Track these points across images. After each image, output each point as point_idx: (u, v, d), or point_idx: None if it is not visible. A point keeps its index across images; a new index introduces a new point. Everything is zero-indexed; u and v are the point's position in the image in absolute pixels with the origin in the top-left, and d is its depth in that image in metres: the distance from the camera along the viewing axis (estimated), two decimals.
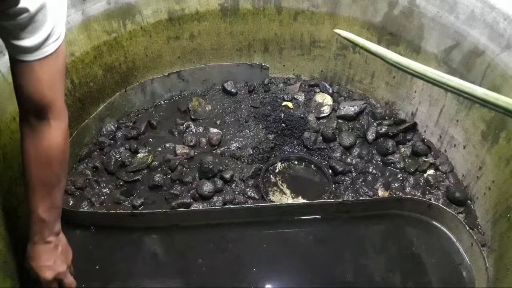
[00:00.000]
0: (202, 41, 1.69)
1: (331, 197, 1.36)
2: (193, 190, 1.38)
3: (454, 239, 1.25)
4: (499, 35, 1.18)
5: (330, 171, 1.45)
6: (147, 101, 1.71)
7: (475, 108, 1.30)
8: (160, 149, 1.53)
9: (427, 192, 1.39)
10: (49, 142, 0.87)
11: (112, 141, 1.55)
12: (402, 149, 1.51)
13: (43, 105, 0.83)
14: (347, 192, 1.39)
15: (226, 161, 1.49)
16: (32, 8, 0.71)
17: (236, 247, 1.24)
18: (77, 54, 1.38)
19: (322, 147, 1.53)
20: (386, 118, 1.61)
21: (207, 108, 1.71)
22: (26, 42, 0.74)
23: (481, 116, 1.27)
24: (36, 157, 0.87)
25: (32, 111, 0.84)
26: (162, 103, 1.74)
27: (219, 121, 1.65)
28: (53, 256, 0.97)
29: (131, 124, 1.63)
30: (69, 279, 1.01)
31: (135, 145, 1.52)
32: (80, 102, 1.45)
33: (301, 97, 1.73)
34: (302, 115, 1.63)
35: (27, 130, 0.87)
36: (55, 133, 0.87)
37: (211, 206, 1.34)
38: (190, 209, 1.31)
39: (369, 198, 1.36)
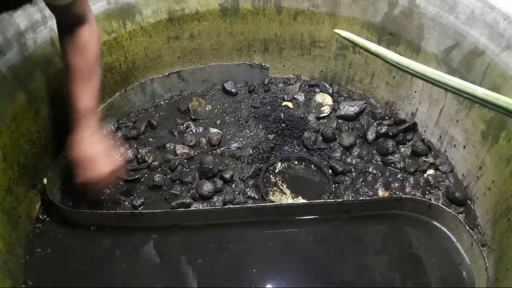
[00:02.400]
0: (202, 41, 1.69)
1: (331, 197, 1.36)
2: (193, 190, 1.38)
3: (454, 239, 1.25)
4: (499, 35, 1.18)
5: (330, 171, 1.45)
6: (147, 101, 1.71)
7: (475, 108, 1.30)
8: (160, 149, 1.53)
9: (427, 192, 1.39)
10: (85, 35, 1.10)
11: (112, 141, 1.55)
12: (402, 149, 1.51)
13: (81, 17, 1.08)
14: (347, 192, 1.39)
15: (226, 161, 1.49)
16: None
17: (236, 247, 1.24)
18: None
19: (322, 147, 1.53)
20: (386, 118, 1.61)
21: (207, 108, 1.71)
22: None
23: (481, 116, 1.27)
24: (76, 52, 1.09)
25: (71, 22, 1.08)
26: (162, 103, 1.74)
27: (219, 121, 1.65)
28: (103, 143, 1.13)
29: (131, 124, 1.63)
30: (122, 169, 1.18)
31: (135, 145, 1.52)
32: None
33: (301, 97, 1.73)
34: (302, 115, 1.63)
35: (66, 37, 1.09)
36: (88, 30, 1.10)
37: (211, 206, 1.34)
38: (190, 209, 1.31)
39: (369, 198, 1.36)
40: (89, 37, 1.11)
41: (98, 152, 1.11)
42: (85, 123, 1.10)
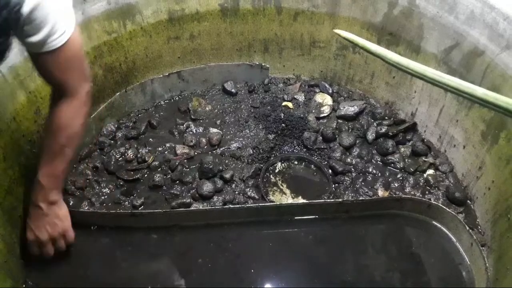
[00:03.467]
0: (202, 41, 1.69)
1: (331, 197, 1.36)
2: (193, 190, 1.38)
3: (454, 239, 1.25)
4: (499, 35, 1.18)
5: (330, 171, 1.45)
6: (147, 101, 1.71)
7: (475, 108, 1.30)
8: (160, 149, 1.53)
9: (427, 192, 1.39)
10: (59, 114, 1.03)
11: (112, 141, 1.55)
12: (402, 149, 1.51)
13: (58, 85, 1.01)
14: (347, 192, 1.39)
15: (226, 161, 1.49)
16: (26, 9, 0.80)
17: (236, 247, 1.24)
18: None
19: (322, 147, 1.53)
20: (386, 118, 1.61)
21: (207, 108, 1.71)
22: (33, 38, 0.87)
23: (481, 116, 1.27)
24: (47, 126, 1.07)
25: (54, 89, 1.04)
26: (162, 103, 1.74)
27: (219, 121, 1.65)
28: (40, 222, 1.09)
29: (131, 124, 1.63)
30: (47, 248, 1.12)
31: (135, 145, 1.53)
32: None
33: (301, 97, 1.73)
34: (302, 115, 1.63)
35: (51, 103, 1.06)
36: (66, 108, 1.02)
37: (211, 206, 1.34)
38: (190, 209, 1.31)
39: (369, 198, 1.36)
40: (65, 113, 1.02)
41: (31, 227, 1.10)
42: (34, 198, 1.08)
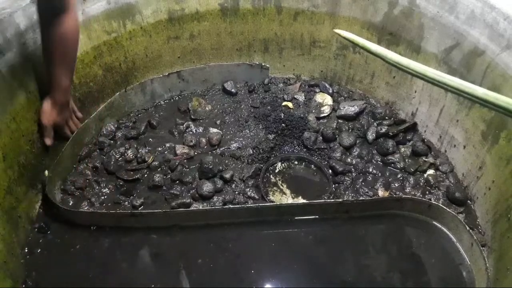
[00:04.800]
0: (202, 41, 1.69)
1: (331, 197, 1.36)
2: (193, 190, 1.38)
3: (454, 239, 1.25)
4: (499, 35, 1.18)
5: (330, 171, 1.45)
6: (147, 101, 1.71)
7: (475, 108, 1.30)
8: (160, 149, 1.53)
9: (427, 192, 1.38)
10: (68, 27, 1.16)
11: (112, 141, 1.55)
12: (402, 149, 1.51)
13: (63, 5, 1.12)
14: (347, 192, 1.39)
15: (226, 161, 1.49)
16: None
17: (236, 247, 1.24)
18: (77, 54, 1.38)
19: (322, 147, 1.53)
20: (386, 118, 1.61)
21: (207, 108, 1.71)
22: None
23: (481, 116, 1.27)
24: (60, 40, 1.16)
25: (54, 9, 1.12)
26: (162, 103, 1.74)
27: (219, 121, 1.65)
28: (56, 111, 1.28)
29: (131, 124, 1.63)
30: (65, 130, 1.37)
31: (135, 145, 1.52)
32: (80, 102, 1.45)
33: (301, 97, 1.73)
34: (302, 115, 1.63)
35: (49, 23, 1.13)
36: (71, 20, 1.16)
37: (211, 206, 1.34)
38: (190, 209, 1.31)
39: (369, 198, 1.36)
40: (72, 25, 1.16)
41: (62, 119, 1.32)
42: (64, 95, 1.27)
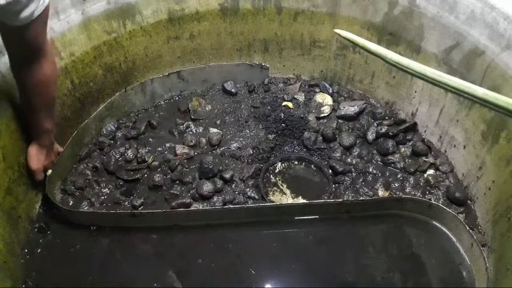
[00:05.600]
0: (202, 41, 1.69)
1: (331, 197, 1.36)
2: (193, 190, 1.38)
3: (454, 239, 1.25)
4: (499, 35, 1.18)
5: (330, 171, 1.45)
6: (147, 101, 1.71)
7: (475, 108, 1.30)
8: (160, 149, 1.53)
9: (427, 192, 1.38)
10: (46, 72, 1.10)
11: (112, 141, 1.55)
12: (402, 149, 1.51)
13: (36, 49, 1.05)
14: (347, 192, 1.39)
15: (226, 161, 1.49)
16: None
17: (236, 247, 1.24)
18: (77, 54, 1.38)
19: (322, 147, 1.52)
20: (386, 118, 1.61)
21: (207, 108, 1.71)
22: (22, 14, 0.92)
23: (481, 116, 1.27)
24: (38, 86, 1.10)
25: (29, 55, 1.05)
26: (162, 103, 1.74)
27: (219, 121, 1.65)
28: (43, 155, 1.25)
29: (131, 124, 1.63)
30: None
31: (135, 145, 1.52)
32: (80, 102, 1.45)
33: (301, 97, 1.73)
34: (302, 115, 1.63)
35: (25, 70, 1.07)
36: (47, 66, 1.10)
37: (211, 206, 1.34)
38: (190, 209, 1.31)
39: (369, 198, 1.36)
40: (49, 70, 1.10)
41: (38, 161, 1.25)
42: (47, 138, 1.23)
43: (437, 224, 1.28)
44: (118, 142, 1.55)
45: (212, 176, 1.41)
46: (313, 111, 1.67)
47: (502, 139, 1.19)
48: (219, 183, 1.38)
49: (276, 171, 1.47)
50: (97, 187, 1.39)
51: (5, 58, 1.13)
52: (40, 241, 1.24)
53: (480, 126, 1.28)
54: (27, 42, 1.01)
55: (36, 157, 1.22)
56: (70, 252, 1.22)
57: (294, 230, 1.29)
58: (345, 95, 1.74)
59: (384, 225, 1.31)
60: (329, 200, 1.32)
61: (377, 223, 1.31)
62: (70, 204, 1.34)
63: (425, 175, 1.43)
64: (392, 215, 1.30)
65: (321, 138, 1.56)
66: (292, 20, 1.66)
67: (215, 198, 1.36)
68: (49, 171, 1.29)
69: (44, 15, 0.99)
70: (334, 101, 1.71)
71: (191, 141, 1.55)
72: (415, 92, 1.53)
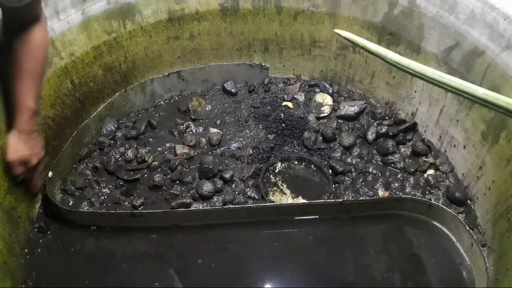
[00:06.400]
0: (202, 41, 1.69)
1: (331, 197, 1.36)
2: (193, 190, 1.38)
3: (454, 239, 1.25)
4: (499, 35, 1.18)
5: (330, 171, 1.45)
6: (147, 101, 1.71)
7: (475, 108, 1.30)
8: (160, 149, 1.53)
9: (427, 192, 1.38)
10: (39, 39, 1.08)
11: (112, 141, 1.55)
12: (402, 149, 1.51)
13: (34, 17, 1.07)
14: (347, 192, 1.39)
15: (226, 161, 1.49)
16: None
17: (236, 247, 1.24)
18: (77, 54, 1.38)
19: (322, 147, 1.53)
20: (386, 118, 1.61)
21: (207, 108, 1.71)
22: None
23: (481, 116, 1.27)
24: (28, 52, 1.07)
25: (23, 22, 1.05)
26: (162, 103, 1.74)
27: (219, 121, 1.65)
28: (22, 144, 1.13)
29: (131, 124, 1.63)
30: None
31: (135, 145, 1.52)
32: (80, 102, 1.45)
33: (301, 97, 1.73)
34: (302, 115, 1.63)
35: (17, 36, 1.05)
36: (42, 32, 1.09)
37: (211, 206, 1.34)
38: (190, 209, 1.31)
39: (369, 198, 1.36)
40: (41, 38, 1.09)
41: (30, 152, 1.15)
42: (29, 122, 1.12)
43: (437, 224, 1.28)
44: (118, 142, 1.55)
45: (212, 176, 1.41)
46: (313, 111, 1.67)
47: (502, 139, 1.19)
48: (219, 183, 1.38)
49: (276, 171, 1.47)
50: (97, 187, 1.39)
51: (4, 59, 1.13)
52: (40, 241, 1.24)
53: (480, 126, 1.28)
54: (24, 17, 1.03)
55: (14, 147, 1.11)
56: (70, 252, 1.22)
57: (294, 230, 1.29)
58: (345, 95, 1.74)
59: (384, 225, 1.31)
60: (329, 200, 1.32)
61: (377, 223, 1.31)
62: (70, 204, 1.34)
63: (425, 175, 1.43)
64: (392, 215, 1.30)
65: (321, 138, 1.56)
66: (292, 20, 1.66)
67: (215, 198, 1.36)
68: (50, 173, 1.29)
69: None
70: (334, 101, 1.71)
71: (191, 141, 1.55)
72: (415, 92, 1.53)
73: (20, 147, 1.12)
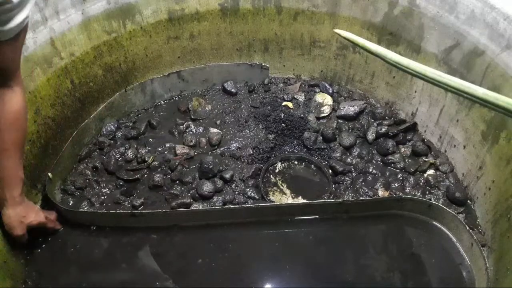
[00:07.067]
0: (202, 41, 1.69)
1: (331, 197, 1.36)
2: (193, 190, 1.38)
3: (454, 239, 1.25)
4: (499, 35, 1.18)
5: (330, 171, 1.45)
6: (147, 101, 1.71)
7: (475, 108, 1.30)
8: (160, 149, 1.53)
9: (427, 192, 1.38)
10: (18, 106, 0.98)
11: (112, 141, 1.55)
12: (402, 149, 1.51)
13: (8, 75, 0.94)
14: (347, 192, 1.39)
15: (226, 161, 1.49)
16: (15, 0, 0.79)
17: (236, 247, 1.24)
18: (77, 54, 1.38)
19: (322, 147, 1.52)
20: (386, 118, 1.61)
21: (207, 108, 1.71)
22: (5, 27, 0.83)
23: (481, 116, 1.27)
24: (9, 122, 0.97)
25: (2, 81, 0.95)
26: (162, 103, 1.74)
27: (219, 121, 1.65)
28: (29, 209, 1.10)
29: (131, 124, 1.63)
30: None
31: (135, 145, 1.52)
32: (80, 102, 1.45)
33: (301, 97, 1.73)
34: (302, 115, 1.63)
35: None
36: (20, 97, 0.99)
37: (211, 206, 1.34)
38: (190, 209, 1.31)
39: (369, 198, 1.36)
40: (20, 103, 0.99)
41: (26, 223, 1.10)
42: (22, 192, 1.07)
43: (437, 224, 1.28)
44: (118, 142, 1.55)
45: (212, 176, 1.41)
46: (313, 111, 1.67)
47: (502, 139, 1.19)
48: (219, 183, 1.38)
49: (276, 171, 1.47)
50: (97, 187, 1.39)
51: None
52: (40, 240, 1.24)
53: (480, 126, 1.28)
54: (7, 62, 0.92)
55: (16, 223, 1.06)
56: (70, 252, 1.22)
57: (294, 230, 1.29)
58: (345, 95, 1.74)
59: (384, 225, 1.31)
60: (329, 200, 1.32)
61: (377, 223, 1.31)
62: (70, 204, 1.34)
63: (425, 175, 1.43)
64: (392, 215, 1.30)
65: (321, 138, 1.56)
66: (292, 20, 1.66)
67: (215, 198, 1.36)
68: (50, 174, 1.30)
69: (21, 36, 0.91)
70: (334, 101, 1.71)
71: (191, 141, 1.55)
72: (415, 92, 1.53)
73: (22, 218, 1.08)
